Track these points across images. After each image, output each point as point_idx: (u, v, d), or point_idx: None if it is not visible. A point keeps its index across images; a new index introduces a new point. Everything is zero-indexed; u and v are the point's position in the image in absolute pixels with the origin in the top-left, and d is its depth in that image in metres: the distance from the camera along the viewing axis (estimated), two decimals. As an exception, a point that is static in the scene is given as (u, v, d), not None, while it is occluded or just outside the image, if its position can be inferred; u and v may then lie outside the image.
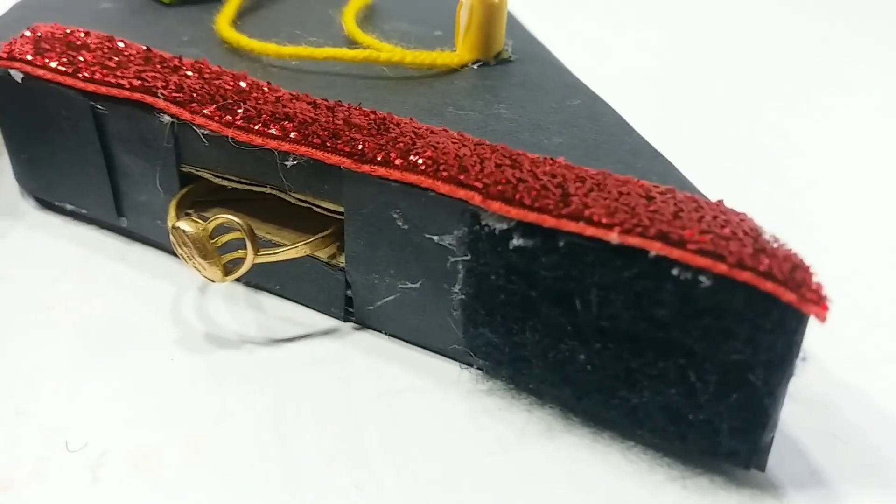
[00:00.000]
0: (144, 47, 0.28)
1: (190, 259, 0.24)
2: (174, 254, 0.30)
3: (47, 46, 0.29)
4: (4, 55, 0.29)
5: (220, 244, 0.25)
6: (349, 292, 0.26)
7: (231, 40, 0.30)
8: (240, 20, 0.33)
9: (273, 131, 0.25)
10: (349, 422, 0.23)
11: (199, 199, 0.28)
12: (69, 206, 0.32)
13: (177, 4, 0.35)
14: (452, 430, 0.23)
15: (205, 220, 0.25)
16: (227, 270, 0.25)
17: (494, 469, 0.22)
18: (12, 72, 0.29)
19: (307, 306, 0.28)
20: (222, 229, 0.25)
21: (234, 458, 0.22)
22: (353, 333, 0.27)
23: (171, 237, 0.25)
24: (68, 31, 0.30)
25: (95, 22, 0.32)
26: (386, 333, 0.27)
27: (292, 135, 0.24)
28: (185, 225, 0.24)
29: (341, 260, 0.26)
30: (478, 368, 0.25)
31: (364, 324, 0.27)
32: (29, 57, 0.29)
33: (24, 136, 0.31)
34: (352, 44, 0.31)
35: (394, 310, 0.26)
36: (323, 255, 0.26)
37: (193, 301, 0.28)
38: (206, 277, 0.25)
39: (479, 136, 0.25)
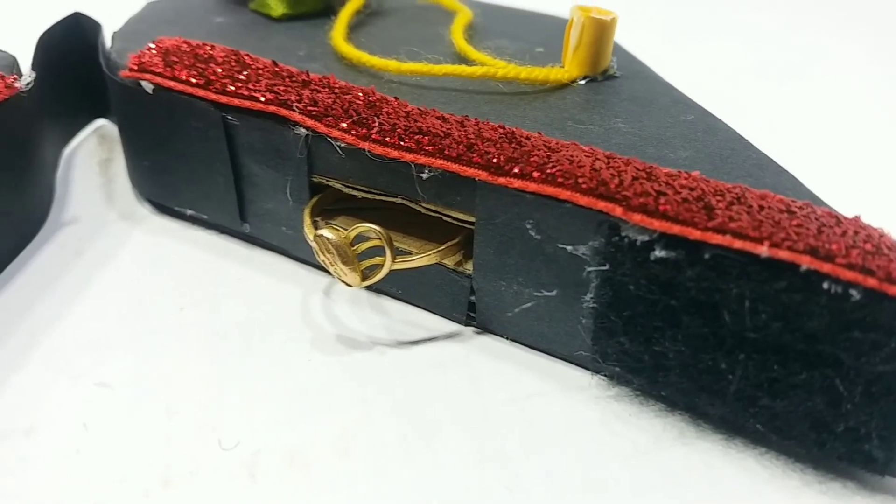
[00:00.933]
0: (271, 61, 0.29)
1: (332, 265, 0.25)
2: (296, 258, 0.30)
3: (175, 59, 0.30)
4: (135, 67, 0.30)
5: (359, 251, 0.25)
6: (473, 298, 0.27)
7: (351, 56, 0.31)
8: (349, 36, 0.34)
9: (408, 145, 0.25)
10: (485, 423, 0.24)
11: (325, 207, 0.29)
12: (189, 212, 0.32)
13: (284, 20, 0.36)
14: (588, 434, 0.23)
15: (330, 226, 0.25)
16: (364, 276, 0.25)
17: (634, 473, 0.22)
18: (144, 83, 0.30)
19: (428, 310, 0.28)
20: (358, 237, 0.25)
21: (382, 455, 0.23)
22: (476, 337, 0.27)
23: (314, 244, 0.25)
24: (194, 44, 0.30)
25: (211, 36, 0.33)
26: (507, 338, 0.27)
27: (427, 148, 0.25)
28: (328, 233, 0.25)
29: (467, 267, 0.26)
30: (604, 375, 0.25)
31: (486, 328, 0.27)
32: (159, 69, 0.29)
33: (148, 143, 0.32)
34: (463, 60, 0.32)
35: (520, 316, 0.26)
36: (450, 262, 0.27)
37: (320, 304, 0.28)
38: (344, 282, 0.25)
39: (605, 149, 0.25)
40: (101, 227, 0.32)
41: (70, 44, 0.36)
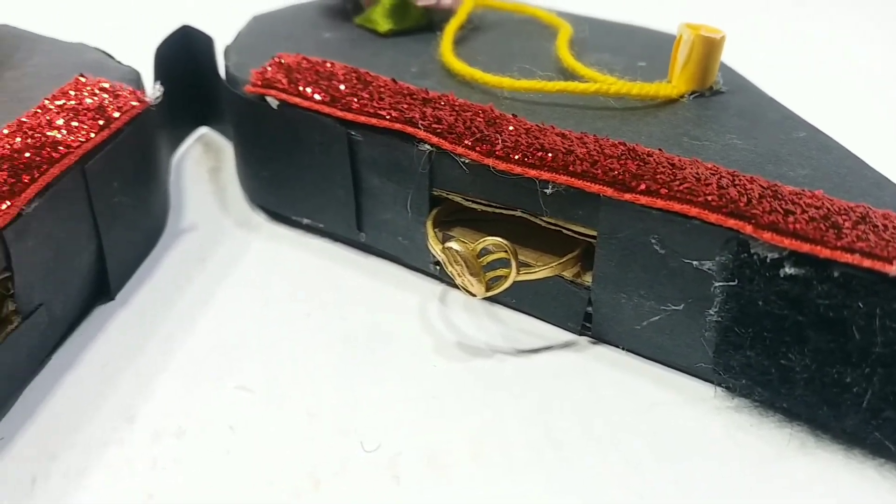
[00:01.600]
0: (391, 79, 0.30)
1: (460, 276, 0.26)
2: (410, 266, 0.32)
3: (298, 76, 0.31)
4: (259, 83, 0.31)
5: (484, 263, 0.26)
6: (590, 309, 0.28)
7: (463, 73, 0.32)
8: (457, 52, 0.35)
9: (532, 161, 0.26)
10: (611, 431, 0.24)
11: (441, 218, 0.30)
12: (306, 221, 0.34)
13: (389, 35, 0.37)
14: (713, 444, 0.24)
15: (458, 240, 0.26)
16: (488, 287, 0.26)
17: (761, 482, 0.23)
18: (269, 99, 0.31)
19: (543, 320, 0.29)
20: (483, 249, 0.26)
21: (514, 459, 0.24)
22: (591, 347, 0.28)
23: (442, 255, 0.26)
24: (314, 61, 0.32)
25: (323, 51, 0.34)
26: (623, 349, 0.28)
27: (552, 164, 0.26)
28: (456, 245, 0.26)
29: (586, 279, 0.27)
30: (724, 386, 0.26)
31: (601, 339, 0.28)
32: (283, 85, 0.31)
33: (268, 155, 0.33)
34: (571, 75, 0.32)
35: (640, 328, 0.27)
36: (567, 273, 0.27)
37: (437, 311, 0.29)
38: (468, 292, 0.26)
39: (725, 166, 0.26)
40: (220, 235, 0.34)
41: (180, 55, 0.37)
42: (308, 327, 0.29)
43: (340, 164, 0.31)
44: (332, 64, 0.31)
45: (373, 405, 0.25)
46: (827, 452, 0.24)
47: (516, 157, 0.26)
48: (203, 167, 0.39)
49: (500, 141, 0.27)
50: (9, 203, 0.23)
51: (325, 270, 0.32)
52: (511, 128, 0.27)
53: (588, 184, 0.25)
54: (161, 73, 0.36)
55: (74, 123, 0.27)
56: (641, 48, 0.36)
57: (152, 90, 0.31)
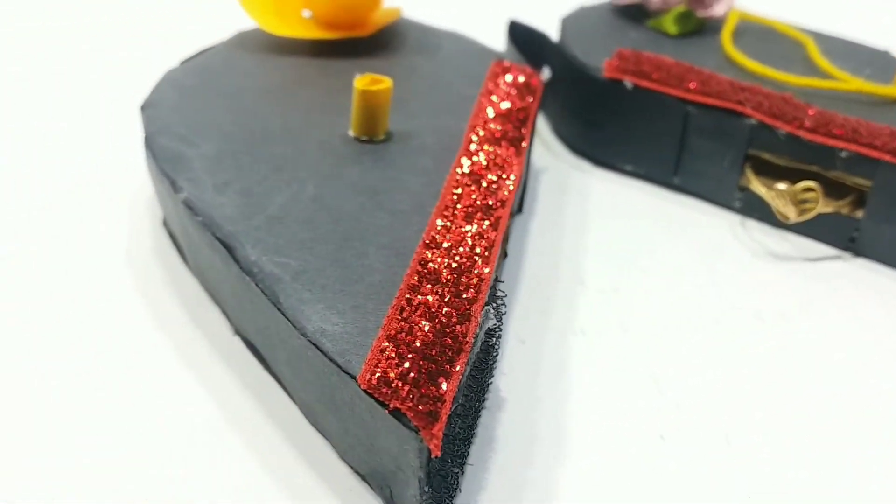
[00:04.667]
0: (709, 71, 0.44)
1: (784, 206, 0.41)
2: (712, 201, 0.46)
3: (645, 67, 0.45)
4: (617, 70, 0.46)
5: (798, 197, 0.41)
6: (855, 234, 0.42)
7: (755, 70, 0.46)
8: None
9: (835, 133, 0.41)
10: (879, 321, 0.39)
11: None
12: (628, 167, 0.48)
13: (677, 37, 0.51)
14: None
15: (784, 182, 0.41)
16: (799, 213, 0.41)
17: None
18: (626, 82, 0.46)
19: (818, 240, 0.43)
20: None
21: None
22: (855, 259, 0.42)
23: (769, 192, 0.41)
24: (649, 55, 0.46)
25: (638, 47, 0.48)
26: (877, 260, 0.42)
27: (846, 137, 0.40)
28: (782, 186, 0.41)
29: (856, 214, 0.42)
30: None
31: (858, 254, 0.43)
32: (636, 73, 0.45)
33: (605, 119, 0.47)
34: (826, 76, 0.47)
35: (893, 245, 0.41)
36: (845, 210, 0.42)
37: (738, 235, 0.44)
38: (783, 216, 0.41)
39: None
40: (565, 176, 0.49)
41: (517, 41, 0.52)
42: (661, 246, 0.44)
43: (672, 129, 0.45)
44: (671, 60, 0.46)
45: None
46: None
47: (822, 131, 0.41)
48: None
49: (808, 120, 0.41)
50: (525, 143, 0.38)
51: (649, 201, 0.46)
52: (811, 112, 0.42)
53: (873, 151, 0.40)
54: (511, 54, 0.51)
55: (513, 100, 0.42)
56: (859, 59, 0.50)
57: (543, 72, 0.46)
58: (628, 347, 0.35)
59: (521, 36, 0.53)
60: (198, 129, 0.37)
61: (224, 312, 0.35)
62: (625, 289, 0.39)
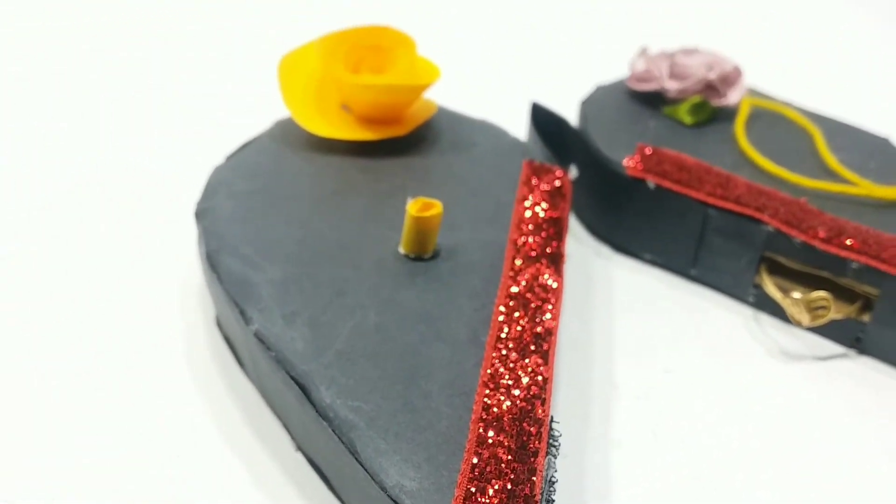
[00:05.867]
0: (734, 176, 0.47)
1: (798, 313, 0.43)
2: (726, 293, 0.49)
3: (668, 167, 0.48)
4: (640, 169, 0.48)
5: (812, 304, 0.43)
6: (861, 334, 0.45)
7: (769, 169, 0.48)
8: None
9: (847, 243, 0.43)
10: (883, 418, 0.42)
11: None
12: (648, 256, 0.51)
13: (694, 126, 0.54)
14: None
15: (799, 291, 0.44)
16: (812, 318, 0.44)
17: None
18: (648, 182, 0.48)
19: (825, 337, 0.46)
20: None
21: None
22: (860, 357, 0.45)
23: (785, 299, 0.43)
24: (670, 154, 0.48)
25: (655, 138, 0.50)
26: (880, 359, 0.45)
27: (857, 249, 0.43)
28: (798, 294, 0.43)
29: (863, 317, 0.45)
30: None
31: (863, 352, 0.45)
32: (659, 173, 0.47)
33: (627, 209, 0.50)
34: (835, 174, 0.49)
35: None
36: (853, 314, 0.45)
37: (752, 330, 0.47)
38: (798, 322, 0.44)
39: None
40: (593, 261, 0.51)
41: (539, 125, 0.54)
42: (674, 339, 0.46)
43: (692, 227, 0.48)
44: (686, 159, 0.48)
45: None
46: None
47: (837, 241, 0.43)
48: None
49: (822, 230, 0.44)
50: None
51: (669, 292, 0.49)
52: (825, 222, 0.44)
53: (881, 264, 0.42)
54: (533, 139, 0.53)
55: (547, 206, 0.44)
56: (863, 149, 0.52)
57: (571, 171, 0.48)
58: (662, 457, 0.38)
59: (543, 119, 0.55)
60: (260, 248, 0.38)
61: (286, 428, 0.37)
62: (654, 394, 0.41)
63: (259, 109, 0.51)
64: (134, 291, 0.45)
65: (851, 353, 0.45)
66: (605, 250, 0.52)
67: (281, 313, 0.35)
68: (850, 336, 0.45)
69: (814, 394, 0.42)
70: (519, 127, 0.55)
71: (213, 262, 0.38)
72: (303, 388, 0.32)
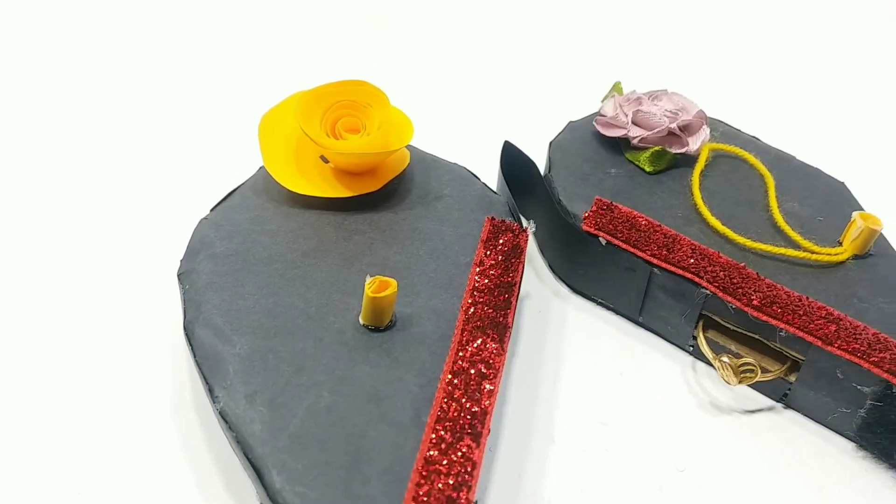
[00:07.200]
0: (688, 240, 0.49)
1: (726, 375, 0.46)
2: (670, 342, 0.51)
3: (620, 226, 0.50)
4: (593, 227, 0.50)
5: (739, 366, 0.46)
6: (787, 391, 0.48)
7: (718, 228, 0.50)
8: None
9: (775, 315, 0.45)
10: (797, 474, 0.45)
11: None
12: (599, 300, 0.53)
13: (654, 173, 0.55)
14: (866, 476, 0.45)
15: (727, 355, 0.46)
16: (739, 381, 0.46)
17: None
18: (600, 238, 0.50)
19: (757, 390, 0.49)
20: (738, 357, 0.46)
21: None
22: (784, 410, 0.48)
23: (716, 362, 0.46)
24: (625, 212, 0.50)
25: (614, 185, 0.52)
26: (803, 414, 0.48)
27: (786, 318, 0.45)
28: (727, 359, 0.46)
29: (790, 377, 0.47)
30: (858, 444, 0.46)
31: (789, 406, 0.48)
32: (610, 231, 0.50)
33: (582, 258, 0.52)
34: (779, 230, 0.51)
35: (817, 406, 0.47)
36: (781, 374, 0.47)
37: (693, 378, 0.50)
38: (726, 381, 0.46)
39: (877, 327, 0.45)
40: (551, 300, 0.54)
41: (508, 162, 0.56)
42: (625, 381, 0.49)
43: (639, 282, 0.50)
44: (638, 216, 0.50)
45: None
46: (914, 492, 0.44)
47: (769, 311, 0.46)
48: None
49: (756, 297, 0.46)
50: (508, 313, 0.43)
51: (620, 335, 0.52)
52: (760, 285, 0.46)
53: (807, 336, 0.45)
54: (503, 176, 0.55)
55: (501, 270, 0.46)
56: (819, 198, 0.54)
57: (528, 224, 0.50)
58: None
59: (512, 159, 0.57)
60: (232, 319, 0.41)
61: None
62: (589, 447, 0.44)
63: (251, 148, 0.54)
64: (121, 336, 0.49)
65: (779, 406, 0.48)
66: (563, 290, 0.54)
67: (244, 392, 0.38)
68: (778, 391, 0.48)
69: (741, 447, 0.45)
70: (496, 162, 0.57)
71: (188, 333, 0.41)
72: (257, 471, 0.36)
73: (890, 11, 0.95)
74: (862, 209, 0.54)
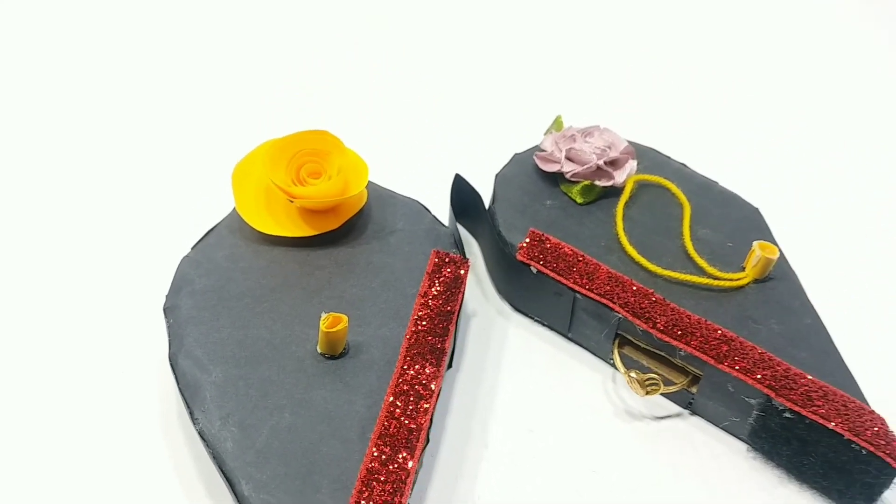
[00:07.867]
0: (606, 268, 0.56)
1: (634, 387, 0.53)
2: (595, 354, 0.59)
3: (549, 257, 0.56)
4: (526, 257, 0.57)
5: (645, 380, 0.53)
6: (692, 400, 0.55)
7: (634, 257, 0.57)
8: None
9: (676, 337, 0.53)
10: (696, 473, 0.52)
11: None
12: (535, 318, 0.61)
13: (584, 204, 0.62)
14: (756, 476, 0.52)
15: (635, 371, 0.53)
16: (646, 392, 0.54)
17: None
18: (532, 268, 0.57)
19: (667, 398, 0.56)
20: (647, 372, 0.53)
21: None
22: (691, 417, 0.55)
23: (625, 375, 0.53)
24: (554, 242, 0.57)
25: (548, 216, 0.59)
26: (706, 420, 0.55)
27: (685, 340, 0.52)
28: (634, 374, 0.53)
29: (692, 389, 0.54)
30: (751, 446, 0.53)
31: (694, 413, 0.56)
32: (541, 261, 0.57)
33: (520, 285, 0.59)
34: (690, 258, 0.58)
35: (715, 414, 0.54)
36: (685, 384, 0.55)
37: (608, 389, 0.57)
38: (634, 391, 0.54)
39: (766, 346, 0.52)
40: (495, 318, 0.61)
41: (457, 193, 0.63)
42: (556, 388, 0.56)
43: (565, 304, 0.57)
44: (564, 247, 0.57)
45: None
46: (795, 485, 0.52)
47: (672, 332, 0.53)
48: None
49: (661, 321, 0.53)
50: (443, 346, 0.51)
51: (554, 349, 0.59)
52: (666, 310, 0.53)
53: (701, 355, 0.52)
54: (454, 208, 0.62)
55: (443, 300, 0.53)
56: (732, 223, 0.60)
57: (465, 256, 0.57)
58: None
59: (462, 192, 0.64)
60: (209, 350, 0.48)
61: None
62: (518, 451, 0.52)
63: (227, 188, 0.60)
64: (115, 365, 0.56)
65: (686, 413, 0.55)
66: (506, 308, 0.62)
67: (219, 415, 0.46)
68: (684, 400, 0.55)
69: (651, 450, 0.52)
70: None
71: (173, 363, 0.49)
72: (229, 481, 0.43)
73: (818, 39, 1.01)
74: (770, 234, 0.61)
